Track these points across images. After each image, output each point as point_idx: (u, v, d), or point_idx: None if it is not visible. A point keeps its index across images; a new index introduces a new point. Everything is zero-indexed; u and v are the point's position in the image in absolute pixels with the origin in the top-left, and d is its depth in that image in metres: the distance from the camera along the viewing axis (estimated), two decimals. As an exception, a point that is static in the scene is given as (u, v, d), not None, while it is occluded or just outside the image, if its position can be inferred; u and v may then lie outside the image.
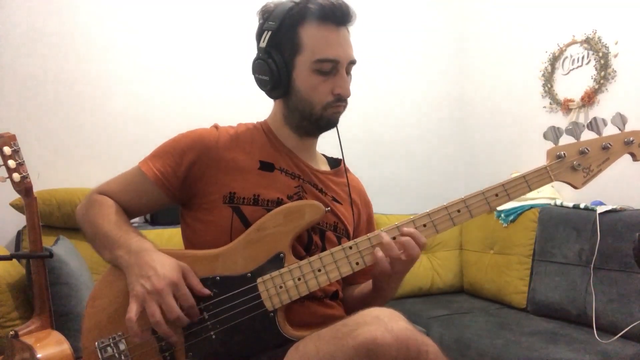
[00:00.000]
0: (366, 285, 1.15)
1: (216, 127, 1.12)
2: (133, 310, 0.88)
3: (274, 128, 1.14)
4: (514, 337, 1.87)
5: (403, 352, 0.74)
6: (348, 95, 1.07)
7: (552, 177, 1.01)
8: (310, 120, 1.08)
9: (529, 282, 2.25)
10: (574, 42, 2.43)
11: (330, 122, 1.09)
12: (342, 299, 1.15)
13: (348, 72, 1.08)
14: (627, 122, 1.02)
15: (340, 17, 1.04)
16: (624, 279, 1.87)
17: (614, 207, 2.01)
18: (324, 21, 1.03)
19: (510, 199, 1.00)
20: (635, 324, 1.76)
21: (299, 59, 1.04)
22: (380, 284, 1.07)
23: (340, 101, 1.07)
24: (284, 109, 1.11)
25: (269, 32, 1.05)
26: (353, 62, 1.08)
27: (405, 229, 0.96)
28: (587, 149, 1.01)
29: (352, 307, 1.13)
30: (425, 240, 0.97)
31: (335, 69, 1.04)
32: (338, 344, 0.78)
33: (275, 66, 1.04)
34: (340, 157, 1.22)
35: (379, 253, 0.95)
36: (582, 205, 2.14)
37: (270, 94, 1.10)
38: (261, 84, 1.09)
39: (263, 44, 1.06)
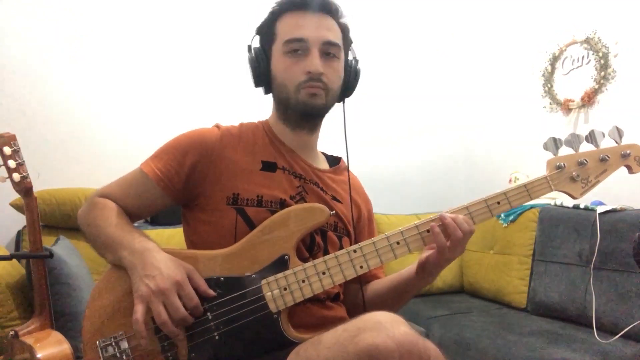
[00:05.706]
0: (396, 277, 1.13)
1: (218, 126, 1.11)
2: (139, 311, 0.87)
3: (272, 126, 1.14)
4: (514, 337, 1.87)
5: (405, 358, 0.73)
6: (317, 71, 1.03)
7: (552, 186, 1.03)
8: (291, 107, 1.07)
9: (529, 282, 2.25)
10: (574, 42, 2.43)
11: (307, 106, 1.05)
12: (351, 298, 1.15)
13: (328, 54, 1.06)
14: (624, 135, 1.04)
15: (309, 2, 1.07)
16: (624, 279, 1.87)
17: (614, 207, 2.01)
18: (295, 9, 1.07)
19: (511, 207, 1.02)
20: (635, 324, 1.77)
21: (274, 48, 1.08)
22: (428, 269, 1.03)
23: (312, 80, 1.04)
24: (274, 103, 1.14)
25: (255, 34, 1.12)
26: (331, 44, 1.06)
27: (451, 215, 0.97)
28: (585, 160, 1.03)
29: (382, 300, 1.13)
30: (472, 228, 0.97)
31: (306, 48, 1.04)
32: (339, 350, 0.77)
33: (255, 58, 1.09)
34: (342, 155, 1.22)
35: (436, 229, 0.96)
36: (582, 205, 2.14)
37: (259, 87, 1.13)
38: (252, 79, 1.12)
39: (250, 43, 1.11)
